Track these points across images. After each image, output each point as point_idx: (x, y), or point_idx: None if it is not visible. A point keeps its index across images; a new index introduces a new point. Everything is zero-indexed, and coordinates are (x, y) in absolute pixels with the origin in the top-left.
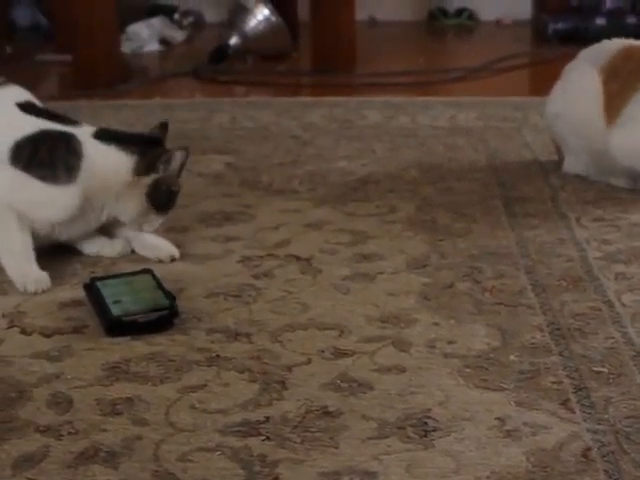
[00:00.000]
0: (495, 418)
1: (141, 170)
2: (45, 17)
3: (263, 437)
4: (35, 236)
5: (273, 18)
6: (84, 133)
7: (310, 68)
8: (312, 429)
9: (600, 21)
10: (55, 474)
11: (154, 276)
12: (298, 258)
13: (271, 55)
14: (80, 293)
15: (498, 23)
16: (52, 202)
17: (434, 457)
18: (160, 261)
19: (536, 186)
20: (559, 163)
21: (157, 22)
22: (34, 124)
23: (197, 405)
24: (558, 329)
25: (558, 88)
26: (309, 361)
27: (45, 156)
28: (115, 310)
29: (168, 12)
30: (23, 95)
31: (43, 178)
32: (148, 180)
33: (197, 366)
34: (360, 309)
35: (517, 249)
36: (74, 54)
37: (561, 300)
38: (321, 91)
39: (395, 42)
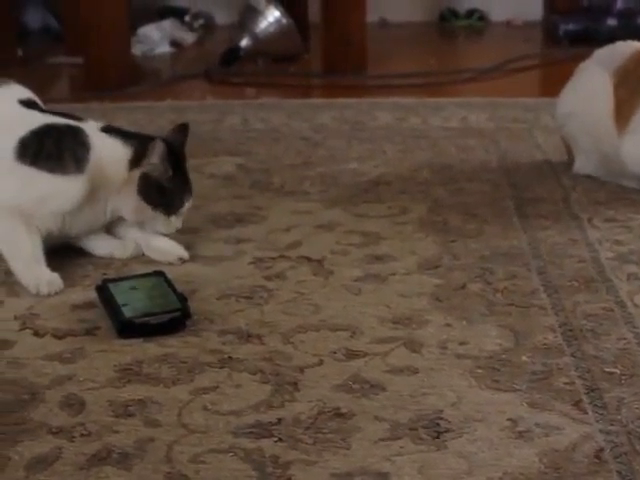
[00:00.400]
0: (507, 419)
1: (132, 163)
2: (56, 20)
3: (275, 438)
4: (46, 236)
5: (284, 20)
6: (91, 127)
7: (321, 69)
8: (324, 430)
9: (611, 22)
10: (68, 476)
11: (166, 278)
12: (310, 259)
13: (282, 57)
14: (92, 295)
15: (509, 24)
16: (62, 193)
17: (446, 458)
18: (170, 263)
19: (547, 187)
20: (570, 164)
21: (168, 24)
22: (39, 119)
23: (209, 407)
24: (570, 330)
25: (569, 88)
26: (321, 362)
27: (52, 148)
28: (127, 312)
29: (179, 14)
30: (25, 93)
31: (52, 170)
32: (137, 174)
33: (209, 368)
34: (372, 310)
35: (529, 250)
36: (85, 56)
37: (573, 301)
38: (332, 92)
39: (406, 43)
